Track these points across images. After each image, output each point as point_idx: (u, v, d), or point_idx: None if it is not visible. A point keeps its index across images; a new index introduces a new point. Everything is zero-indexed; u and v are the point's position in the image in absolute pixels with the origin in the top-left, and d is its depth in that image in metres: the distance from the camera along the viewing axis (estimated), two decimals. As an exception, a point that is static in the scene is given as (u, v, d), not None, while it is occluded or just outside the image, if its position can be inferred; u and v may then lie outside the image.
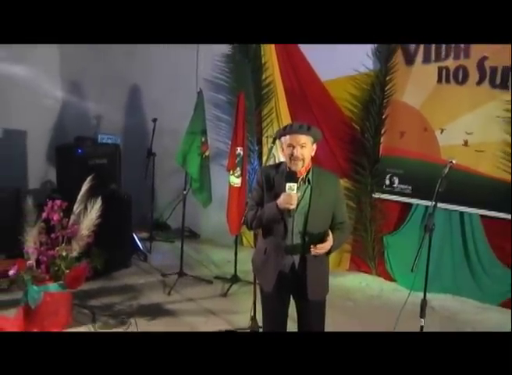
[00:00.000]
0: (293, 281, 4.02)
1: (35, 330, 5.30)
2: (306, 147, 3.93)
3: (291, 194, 3.80)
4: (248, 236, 7.72)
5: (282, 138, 4.03)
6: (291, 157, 3.94)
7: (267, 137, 7.51)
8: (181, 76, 8.01)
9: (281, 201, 3.85)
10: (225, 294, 6.55)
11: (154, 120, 7.71)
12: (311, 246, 3.85)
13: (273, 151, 5.74)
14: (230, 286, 6.66)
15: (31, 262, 5.44)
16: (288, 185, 3.82)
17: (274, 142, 5.45)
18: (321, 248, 3.85)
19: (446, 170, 4.33)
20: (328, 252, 3.98)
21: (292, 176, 3.87)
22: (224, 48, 7.72)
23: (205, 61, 7.88)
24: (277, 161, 5.72)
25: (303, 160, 3.93)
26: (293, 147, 3.92)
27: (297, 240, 3.97)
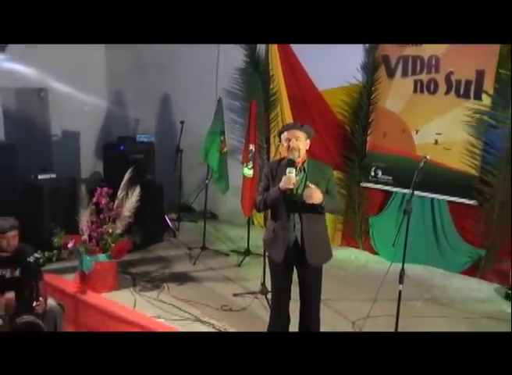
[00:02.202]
0: (296, 252, 4.02)
1: (89, 291, 5.37)
2: (300, 140, 3.96)
3: (290, 177, 3.81)
4: (258, 217, 7.68)
5: (282, 135, 4.06)
6: (289, 148, 3.97)
7: (274, 136, 7.44)
8: (204, 87, 8.02)
9: (282, 183, 3.86)
10: (239, 265, 6.55)
11: (182, 123, 7.67)
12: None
13: (279, 148, 5.78)
14: (244, 258, 6.65)
15: (85, 237, 5.53)
16: (288, 169, 3.83)
17: (279, 141, 5.51)
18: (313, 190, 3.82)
19: (422, 164, 4.35)
20: (322, 209, 3.92)
21: (290, 163, 3.90)
22: (239, 63, 7.71)
23: (224, 74, 7.88)
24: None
25: (298, 151, 3.95)
26: (290, 140, 3.96)
27: (297, 219, 3.99)
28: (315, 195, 3.83)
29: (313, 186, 3.86)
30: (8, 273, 4.44)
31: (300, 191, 3.98)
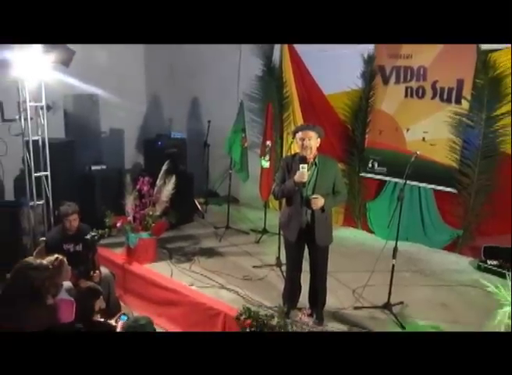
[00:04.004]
0: (307, 233, 4.11)
1: (134, 263, 5.47)
2: (312, 139, 3.99)
3: (303, 172, 3.89)
4: (273, 201, 7.61)
5: (296, 134, 4.09)
6: (302, 146, 4.01)
7: (287, 134, 7.48)
8: (227, 91, 8.04)
9: (296, 177, 3.93)
10: (257, 242, 6.56)
11: (209, 122, 7.67)
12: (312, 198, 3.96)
13: (293, 145, 5.83)
14: (261, 236, 6.66)
15: (130, 218, 5.64)
16: (301, 165, 3.90)
17: (293, 138, 5.56)
18: (316, 200, 3.97)
19: (413, 159, 4.39)
20: (323, 209, 4.02)
21: (303, 160, 3.97)
22: (257, 71, 7.71)
23: (244, 80, 7.91)
24: (293, 152, 5.77)
25: (311, 149, 3.99)
26: (304, 139, 3.98)
27: (308, 206, 4.04)
28: (319, 203, 3.97)
29: (315, 196, 3.98)
30: (72, 248, 4.68)
31: (312, 182, 4.05)
